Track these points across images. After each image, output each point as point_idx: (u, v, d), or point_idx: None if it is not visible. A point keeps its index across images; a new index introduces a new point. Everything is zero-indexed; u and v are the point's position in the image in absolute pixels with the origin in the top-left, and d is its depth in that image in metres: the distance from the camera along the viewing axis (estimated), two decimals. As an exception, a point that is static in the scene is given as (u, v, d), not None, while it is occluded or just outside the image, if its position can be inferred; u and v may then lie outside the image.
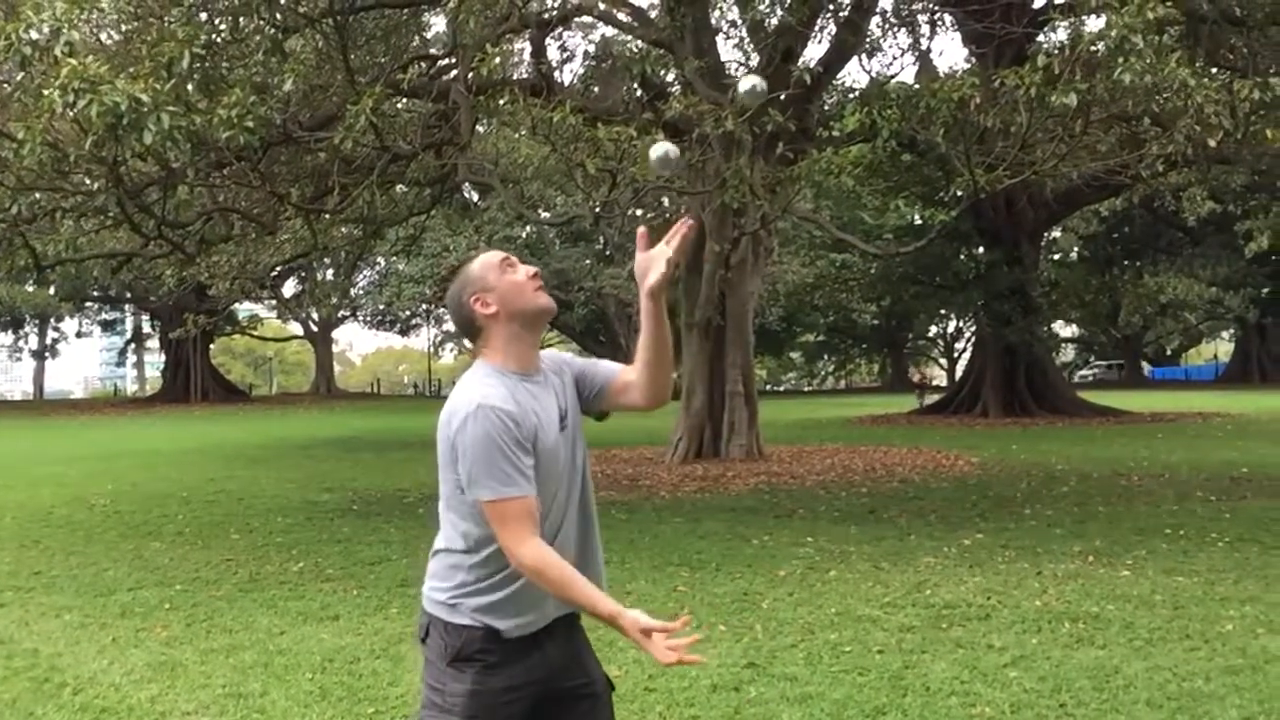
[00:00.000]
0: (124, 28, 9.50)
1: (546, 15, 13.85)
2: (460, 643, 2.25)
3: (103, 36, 10.43)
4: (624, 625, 2.13)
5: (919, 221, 34.27)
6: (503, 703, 2.25)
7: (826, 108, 21.53)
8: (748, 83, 2.31)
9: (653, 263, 2.33)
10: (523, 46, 15.38)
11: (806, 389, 70.02)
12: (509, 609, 2.25)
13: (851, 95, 22.45)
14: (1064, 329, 56.67)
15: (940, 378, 61.73)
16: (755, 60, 15.58)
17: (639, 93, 14.88)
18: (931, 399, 32.36)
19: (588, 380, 2.45)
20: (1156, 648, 5.18)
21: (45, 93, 7.52)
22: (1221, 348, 68.73)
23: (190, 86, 8.30)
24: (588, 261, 42.23)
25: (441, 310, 52.68)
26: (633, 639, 2.13)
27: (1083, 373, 59.73)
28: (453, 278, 2.40)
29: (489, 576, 2.25)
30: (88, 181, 9.50)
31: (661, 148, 2.25)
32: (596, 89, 17.04)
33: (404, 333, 59.99)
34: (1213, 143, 9.35)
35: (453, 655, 2.25)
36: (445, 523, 2.31)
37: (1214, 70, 11.43)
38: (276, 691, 4.81)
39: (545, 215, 30.00)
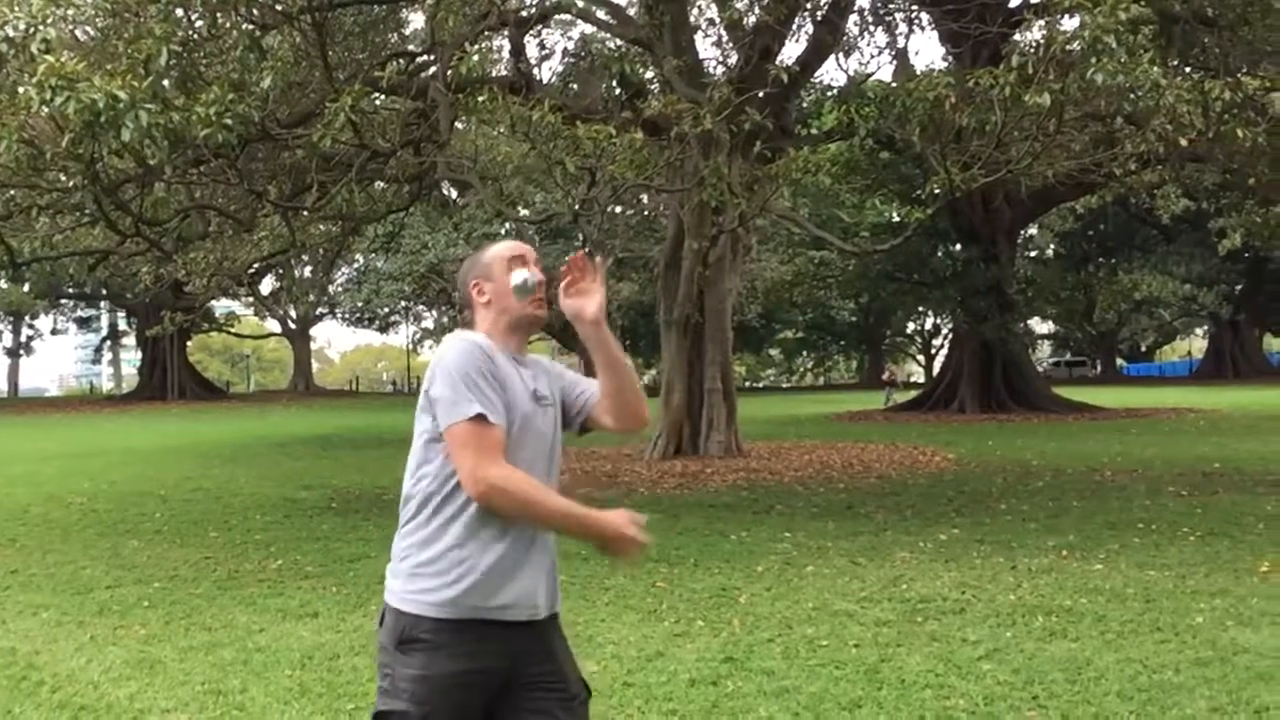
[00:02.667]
0: (101, 24, 9.42)
1: (525, 13, 13.85)
2: (405, 624, 2.22)
3: (79, 33, 10.36)
4: (607, 525, 2.24)
5: (896, 219, 34.45)
6: (455, 686, 2.20)
7: (804, 106, 21.68)
8: (519, 277, 2.39)
9: (582, 296, 2.41)
10: (501, 44, 15.37)
11: (785, 386, 70.30)
12: (452, 588, 2.21)
13: (829, 94, 22.62)
14: (1040, 325, 57.09)
15: (917, 374, 61.99)
16: (734, 59, 15.62)
17: (618, 91, 14.92)
18: (901, 397, 32.31)
19: (575, 393, 2.48)
20: (1128, 640, 5.26)
21: (21, 89, 7.50)
22: (1195, 344, 69.40)
23: (168, 83, 8.27)
24: (567, 259, 42.25)
25: (420, 307, 52.58)
26: (614, 537, 2.24)
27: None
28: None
29: (434, 551, 2.23)
30: (64, 179, 9.43)
31: (520, 275, 2.40)
32: (575, 87, 17.08)
33: (383, 330, 59.81)
34: (1184, 141, 9.48)
35: (398, 638, 2.22)
36: (405, 501, 2.31)
37: (1186, 70, 11.56)
38: (256, 688, 4.82)
39: (524, 213, 29.96)
